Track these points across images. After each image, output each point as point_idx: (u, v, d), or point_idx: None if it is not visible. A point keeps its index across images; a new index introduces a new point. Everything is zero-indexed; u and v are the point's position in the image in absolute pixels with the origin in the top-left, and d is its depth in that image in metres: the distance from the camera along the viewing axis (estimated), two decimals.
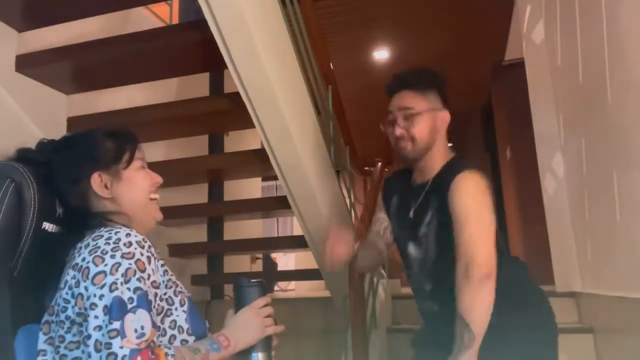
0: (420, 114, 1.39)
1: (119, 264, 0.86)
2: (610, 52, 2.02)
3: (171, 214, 2.83)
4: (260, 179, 5.39)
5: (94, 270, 0.85)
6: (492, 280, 1.21)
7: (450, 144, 1.49)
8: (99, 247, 0.88)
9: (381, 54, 5.38)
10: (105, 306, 0.82)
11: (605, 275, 2.29)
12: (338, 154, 2.85)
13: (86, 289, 0.85)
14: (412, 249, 1.42)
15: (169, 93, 3.29)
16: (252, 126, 2.12)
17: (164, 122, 2.53)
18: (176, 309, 0.97)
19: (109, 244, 0.88)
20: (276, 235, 7.77)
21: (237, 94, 2.00)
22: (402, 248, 1.49)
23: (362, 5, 4.43)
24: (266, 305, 1.02)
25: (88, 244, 0.90)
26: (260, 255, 5.51)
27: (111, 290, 0.83)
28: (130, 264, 0.87)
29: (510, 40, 4.76)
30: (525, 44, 3.26)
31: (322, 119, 2.59)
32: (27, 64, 2.25)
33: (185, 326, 0.97)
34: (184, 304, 0.99)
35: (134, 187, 1.03)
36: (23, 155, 1.01)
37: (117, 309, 0.82)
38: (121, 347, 0.80)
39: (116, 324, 0.81)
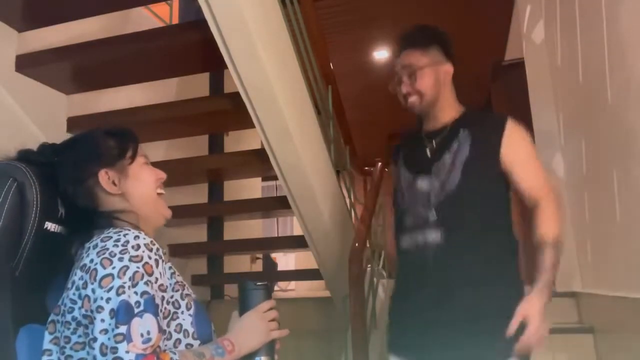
0: (422, 69, 1.45)
1: (127, 267, 0.85)
2: (610, 52, 2.02)
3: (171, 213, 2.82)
4: (260, 179, 5.39)
5: (101, 272, 0.85)
6: (561, 199, 1.38)
7: None
8: (107, 249, 0.87)
9: (381, 54, 5.38)
10: (112, 310, 0.82)
11: (605, 275, 2.29)
12: (338, 154, 2.86)
13: (93, 291, 0.84)
14: (422, 182, 1.44)
15: (169, 93, 3.29)
16: (252, 126, 2.12)
17: (164, 122, 2.53)
18: (182, 312, 0.97)
19: (117, 246, 0.88)
20: (276, 235, 7.77)
21: (237, 94, 2.00)
22: (405, 190, 1.50)
23: (362, 5, 4.44)
24: (271, 308, 1.02)
25: (96, 245, 0.89)
26: (260, 255, 5.51)
27: (118, 294, 0.83)
28: (138, 267, 0.86)
29: (510, 40, 4.77)
30: (525, 44, 3.27)
31: (322, 119, 2.60)
32: (27, 64, 2.25)
33: (191, 330, 0.96)
34: (190, 307, 0.98)
35: (141, 183, 1.03)
36: (25, 156, 1.01)
37: (123, 313, 0.82)
38: (127, 352, 0.79)
39: (122, 328, 0.81)
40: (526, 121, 3.06)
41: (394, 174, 1.62)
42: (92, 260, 0.87)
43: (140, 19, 3.29)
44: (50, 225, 0.97)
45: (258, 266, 5.47)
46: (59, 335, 0.91)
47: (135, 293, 0.84)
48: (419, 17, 4.61)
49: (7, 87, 2.20)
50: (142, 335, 0.82)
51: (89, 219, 0.98)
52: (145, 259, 0.88)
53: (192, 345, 0.95)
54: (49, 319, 0.93)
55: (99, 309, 0.83)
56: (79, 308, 0.86)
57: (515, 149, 1.38)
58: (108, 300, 0.83)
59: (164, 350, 0.86)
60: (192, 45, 2.14)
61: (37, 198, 0.95)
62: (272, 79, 1.89)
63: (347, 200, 2.95)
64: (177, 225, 3.39)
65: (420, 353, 1.37)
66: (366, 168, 4.02)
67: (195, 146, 3.62)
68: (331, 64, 2.82)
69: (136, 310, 0.83)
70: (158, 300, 0.88)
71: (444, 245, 1.35)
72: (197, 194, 3.66)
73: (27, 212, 0.95)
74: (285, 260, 7.45)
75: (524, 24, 3.28)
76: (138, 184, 1.02)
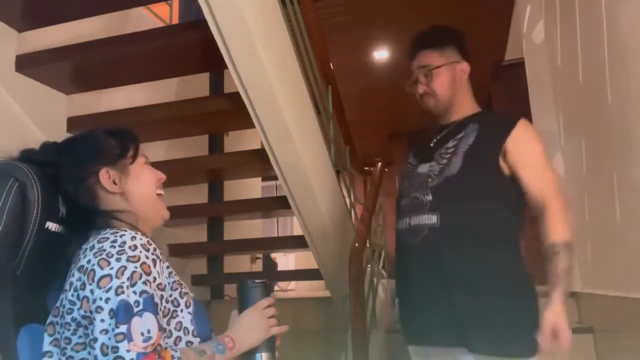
0: (438, 68, 1.47)
1: (125, 267, 0.86)
2: (610, 52, 2.02)
3: (171, 214, 2.82)
4: (260, 179, 5.39)
5: (99, 273, 0.85)
6: (567, 205, 1.37)
7: None
8: (105, 250, 0.88)
9: (381, 54, 5.38)
10: (112, 310, 0.82)
11: (605, 275, 2.29)
12: (338, 154, 2.85)
13: (92, 292, 0.85)
14: (422, 167, 1.46)
15: (169, 93, 3.28)
16: (252, 126, 2.12)
17: (164, 122, 2.53)
18: (182, 310, 0.97)
19: (114, 246, 0.88)
20: (276, 235, 7.77)
21: (237, 94, 2.00)
22: (406, 176, 1.53)
23: (362, 5, 4.44)
24: (270, 305, 1.03)
25: (93, 246, 0.90)
26: (260, 255, 5.51)
27: (117, 294, 0.83)
28: (136, 267, 0.87)
29: (510, 40, 4.77)
30: (525, 44, 3.27)
31: (322, 119, 2.60)
32: (27, 64, 2.25)
33: (191, 328, 0.97)
34: (190, 305, 0.99)
35: (141, 182, 1.03)
36: (26, 156, 1.01)
37: (123, 313, 0.82)
38: (128, 351, 0.80)
39: (123, 328, 0.81)
40: None
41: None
42: (89, 262, 0.87)
43: (140, 19, 3.29)
44: (51, 225, 0.97)
45: (258, 266, 5.47)
46: (58, 337, 0.91)
47: (134, 292, 0.84)
48: (419, 17, 4.62)
49: (7, 87, 2.20)
50: (142, 334, 0.82)
51: (89, 218, 0.98)
52: (143, 259, 0.88)
53: (192, 343, 0.95)
54: (48, 321, 0.93)
55: (99, 309, 0.83)
56: (78, 309, 0.86)
57: (523, 148, 1.38)
58: (107, 300, 0.83)
59: (165, 348, 0.86)
60: (192, 45, 2.14)
61: (38, 198, 0.95)
62: (272, 79, 1.89)
63: (347, 200, 2.95)
64: (177, 225, 3.39)
65: (428, 338, 1.40)
66: (366, 168, 4.01)
67: (195, 146, 3.62)
68: (331, 64, 2.82)
69: (135, 310, 0.83)
70: (157, 299, 0.89)
71: (438, 227, 1.36)
72: (197, 194, 3.66)
73: (29, 212, 0.95)
74: (285, 260, 7.45)
75: (524, 24, 3.28)
76: (138, 183, 1.03)
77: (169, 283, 0.97)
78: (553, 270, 1.30)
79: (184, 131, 2.92)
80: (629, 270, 1.96)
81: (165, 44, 2.19)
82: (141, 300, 0.85)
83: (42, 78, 2.35)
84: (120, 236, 0.90)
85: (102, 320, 0.82)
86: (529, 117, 3.05)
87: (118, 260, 0.86)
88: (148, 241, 0.92)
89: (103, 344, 0.81)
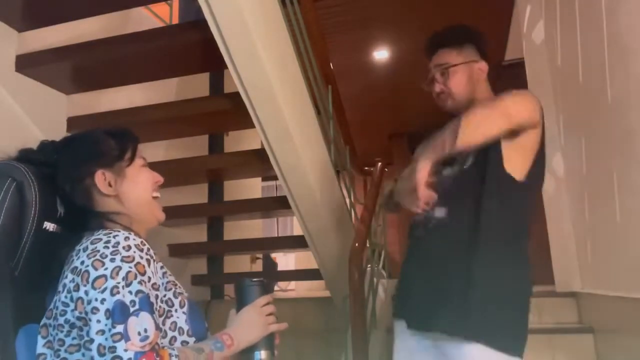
0: (454, 67, 1.44)
1: (120, 268, 0.85)
2: (610, 52, 2.02)
3: (171, 214, 2.82)
4: (260, 179, 5.39)
5: (94, 274, 0.85)
6: (506, 117, 1.25)
7: None
8: (98, 251, 0.87)
9: (381, 54, 5.38)
10: (108, 310, 0.82)
11: (605, 275, 2.29)
12: (338, 154, 2.85)
13: (86, 293, 0.84)
14: (446, 171, 1.43)
15: (169, 93, 3.28)
16: (252, 126, 2.12)
17: (164, 122, 2.53)
18: (176, 310, 0.97)
19: (107, 247, 0.88)
20: (276, 235, 7.77)
21: (237, 94, 2.00)
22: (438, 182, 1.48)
23: (362, 5, 4.43)
24: (268, 303, 1.03)
25: (86, 248, 0.89)
26: (260, 255, 5.51)
27: (112, 294, 0.83)
28: (130, 267, 0.86)
29: (510, 40, 4.77)
30: (525, 44, 3.26)
31: (322, 119, 2.59)
32: (27, 64, 2.25)
33: (186, 327, 0.97)
34: (184, 305, 0.99)
35: (137, 185, 1.03)
36: (24, 155, 1.01)
37: (119, 313, 0.82)
38: (125, 350, 0.80)
39: (119, 328, 0.81)
40: None
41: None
42: (82, 263, 0.87)
43: (140, 19, 3.29)
44: (49, 225, 0.97)
45: (258, 266, 5.47)
46: (51, 339, 0.91)
47: (130, 292, 0.84)
48: (419, 17, 4.62)
49: (7, 87, 2.20)
50: (139, 333, 0.82)
51: (85, 218, 0.98)
52: (137, 259, 0.88)
53: (187, 343, 0.96)
54: (41, 323, 0.93)
55: (94, 310, 0.83)
56: (72, 310, 0.86)
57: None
58: (103, 301, 0.83)
59: (163, 347, 0.86)
60: (192, 45, 2.14)
61: (36, 198, 0.95)
62: (272, 79, 1.89)
63: (347, 200, 2.95)
64: (177, 225, 3.39)
65: (414, 316, 1.39)
66: (366, 168, 4.02)
67: (195, 146, 3.62)
68: (331, 64, 2.81)
69: (132, 309, 0.83)
70: (152, 299, 0.89)
71: (446, 220, 1.36)
72: (197, 194, 3.66)
73: (26, 212, 0.95)
74: (285, 260, 7.45)
75: (524, 24, 3.28)
76: (134, 186, 1.02)
77: (162, 283, 0.97)
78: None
79: (184, 131, 2.92)
80: (629, 270, 1.96)
81: (165, 44, 2.19)
82: (137, 299, 0.85)
83: (42, 78, 2.35)
84: (114, 237, 0.90)
85: (99, 321, 0.82)
86: None
87: (112, 260, 0.86)
88: (142, 241, 0.92)
89: (100, 344, 0.81)
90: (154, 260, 0.94)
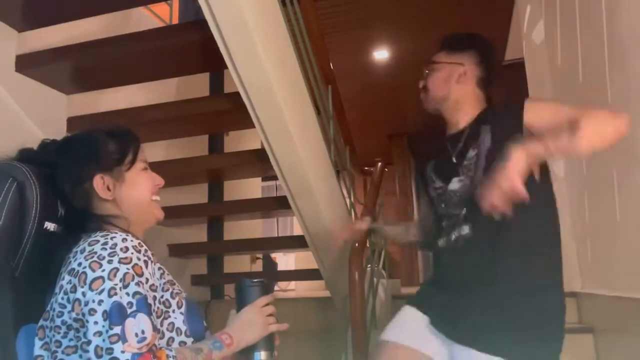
0: (435, 65, 1.50)
1: (117, 269, 0.85)
2: (610, 52, 2.02)
3: (171, 214, 2.83)
4: (260, 179, 5.39)
5: (91, 275, 0.85)
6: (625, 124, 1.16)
7: None
8: (96, 253, 0.87)
9: (381, 54, 5.38)
10: (105, 311, 0.82)
11: (605, 275, 2.29)
12: (338, 154, 2.85)
13: (84, 294, 0.84)
14: (454, 184, 1.43)
15: (169, 93, 3.29)
16: (252, 126, 2.12)
17: (164, 122, 2.53)
18: (173, 311, 0.97)
19: (105, 249, 0.88)
20: (276, 235, 7.77)
21: (237, 94, 1.99)
22: (438, 199, 1.49)
23: (362, 5, 4.43)
24: (268, 304, 1.03)
25: (84, 249, 0.89)
26: (260, 255, 5.51)
27: (110, 296, 0.83)
28: (128, 268, 0.86)
29: (510, 40, 4.76)
30: (525, 44, 3.26)
31: (322, 119, 2.59)
32: (27, 64, 2.25)
33: (183, 328, 0.97)
34: (181, 305, 0.99)
35: (136, 189, 1.03)
36: (25, 155, 1.01)
37: (117, 314, 0.82)
38: (123, 352, 0.80)
39: (117, 329, 0.81)
40: None
41: (419, 186, 1.67)
42: (80, 264, 0.87)
43: (140, 19, 3.29)
44: (50, 225, 0.97)
45: (258, 266, 5.47)
46: (49, 341, 0.91)
47: (127, 294, 0.84)
48: (419, 17, 4.62)
49: (7, 87, 2.20)
50: (136, 334, 0.82)
51: (83, 220, 0.98)
52: (135, 261, 0.88)
53: (185, 343, 0.95)
54: (38, 325, 0.93)
55: (92, 311, 0.83)
56: (69, 312, 0.86)
57: (538, 109, 1.31)
58: (100, 302, 0.83)
59: (160, 348, 0.86)
60: (192, 45, 2.14)
61: (37, 198, 0.95)
62: (272, 79, 1.89)
63: (347, 200, 2.94)
64: (177, 225, 3.39)
65: (436, 312, 1.40)
66: (366, 168, 4.02)
67: (195, 146, 3.62)
68: (331, 64, 2.81)
69: (129, 311, 0.83)
70: (150, 300, 0.89)
71: (472, 236, 1.35)
72: (197, 194, 3.66)
73: (27, 212, 0.95)
74: (285, 260, 7.45)
75: (524, 24, 3.28)
76: (133, 191, 1.02)
77: (160, 284, 0.97)
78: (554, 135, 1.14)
79: (184, 131, 2.92)
80: (629, 270, 1.96)
81: (165, 44, 2.19)
82: (134, 301, 0.85)
83: (42, 78, 2.35)
84: (111, 238, 0.90)
85: (96, 323, 0.82)
86: None
87: (110, 262, 0.86)
88: (139, 243, 0.92)
89: (97, 346, 0.81)
90: (151, 262, 0.94)
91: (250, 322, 0.99)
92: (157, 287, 0.94)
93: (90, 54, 2.25)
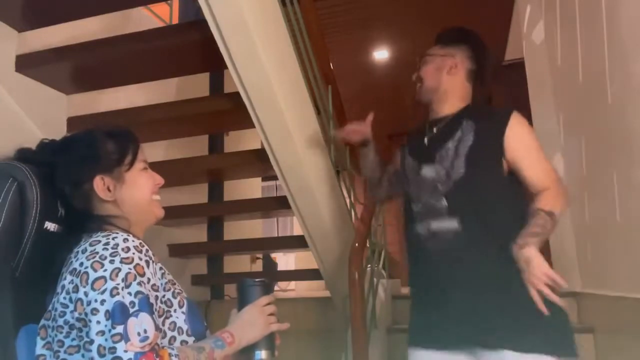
0: (428, 57, 1.58)
1: (119, 269, 0.86)
2: (610, 52, 2.02)
3: (171, 214, 2.82)
4: (260, 179, 5.39)
5: (93, 275, 0.85)
6: (567, 195, 1.38)
7: None
8: (97, 253, 0.88)
9: (381, 54, 5.38)
10: (107, 311, 0.82)
11: (605, 275, 2.29)
12: (338, 154, 2.85)
13: (86, 294, 0.85)
14: (427, 170, 1.48)
15: (169, 93, 3.29)
16: (252, 126, 2.12)
17: (164, 122, 2.53)
18: (175, 310, 0.97)
19: (107, 249, 0.88)
20: (276, 235, 7.77)
21: (237, 94, 1.99)
22: (411, 177, 1.54)
23: (362, 5, 4.44)
24: (269, 304, 1.03)
25: (85, 249, 0.90)
26: (260, 255, 5.51)
27: (112, 295, 0.83)
28: (129, 268, 0.87)
29: (510, 40, 4.77)
30: (525, 44, 3.27)
31: (322, 119, 2.59)
32: (27, 64, 2.25)
33: (185, 327, 0.97)
34: (183, 305, 0.99)
35: (136, 189, 1.03)
36: (24, 155, 1.01)
37: (119, 314, 0.82)
38: (126, 351, 0.80)
39: (119, 328, 0.81)
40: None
41: (397, 157, 1.68)
42: (81, 264, 0.87)
43: (140, 19, 3.29)
44: (50, 226, 0.97)
45: (258, 266, 5.47)
46: (51, 340, 0.91)
47: (129, 294, 0.85)
48: (419, 17, 4.63)
49: (7, 87, 2.20)
50: (139, 334, 0.82)
51: (84, 220, 0.98)
52: (136, 261, 0.88)
53: (186, 342, 0.96)
54: (40, 324, 0.93)
55: (94, 311, 0.83)
56: (72, 312, 0.86)
57: (520, 139, 1.41)
58: (103, 302, 0.83)
59: (163, 347, 0.86)
60: (192, 45, 2.14)
61: (37, 198, 0.95)
62: (272, 79, 1.89)
63: (347, 200, 2.94)
64: (177, 225, 3.39)
65: (444, 343, 1.39)
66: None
67: (195, 146, 3.62)
68: (331, 64, 2.81)
69: (131, 310, 0.84)
70: (152, 300, 0.89)
71: (461, 232, 1.37)
72: (197, 194, 3.66)
73: (27, 212, 0.95)
74: (285, 260, 7.45)
75: (524, 24, 3.28)
76: (134, 191, 1.02)
77: (161, 284, 0.97)
78: (532, 223, 1.30)
79: (184, 131, 2.92)
80: (629, 270, 1.96)
81: (165, 44, 2.19)
82: (136, 301, 0.85)
83: (42, 78, 2.35)
84: (113, 238, 0.90)
85: (98, 322, 0.82)
86: (529, 117, 3.06)
87: (112, 262, 0.86)
88: (140, 243, 0.93)
89: (100, 345, 0.81)
90: (152, 262, 0.94)
91: (251, 321, 1.00)
92: (158, 286, 0.94)
93: (90, 54, 2.25)
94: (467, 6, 4.37)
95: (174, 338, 0.95)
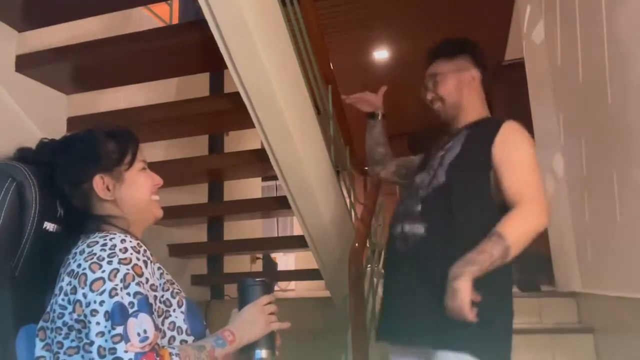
0: (444, 74, 1.54)
1: (117, 270, 0.86)
2: (610, 52, 2.02)
3: (171, 214, 2.83)
4: (260, 179, 5.39)
5: (91, 276, 0.85)
6: (542, 212, 1.31)
7: None
8: (95, 254, 0.88)
9: (381, 54, 5.39)
10: (107, 312, 0.83)
11: (605, 275, 2.29)
12: (338, 154, 2.85)
13: (85, 295, 0.85)
14: (418, 177, 1.51)
15: (169, 93, 3.29)
16: (252, 126, 2.12)
17: (164, 122, 2.53)
18: (174, 310, 0.98)
19: (104, 250, 0.88)
20: (276, 235, 7.77)
21: (237, 94, 2.00)
22: (408, 184, 1.58)
23: (362, 5, 4.44)
24: (270, 303, 1.03)
25: (83, 251, 0.90)
26: (260, 255, 5.51)
27: (111, 296, 0.83)
28: (128, 269, 0.87)
29: (510, 40, 4.77)
30: (525, 44, 3.27)
31: (322, 119, 2.59)
32: (27, 64, 2.25)
33: (184, 327, 0.97)
34: (182, 304, 0.99)
35: (136, 189, 1.03)
36: (23, 155, 1.01)
37: (118, 315, 0.82)
38: (126, 352, 0.80)
39: (119, 329, 0.82)
40: (526, 121, 3.07)
41: (416, 161, 1.70)
42: (79, 265, 0.87)
43: (140, 19, 3.29)
44: (49, 226, 0.97)
45: (258, 266, 5.47)
46: (50, 342, 0.91)
47: (128, 294, 0.85)
48: (419, 17, 4.63)
49: (7, 87, 2.20)
50: (139, 334, 0.82)
51: (83, 220, 0.98)
52: (134, 261, 0.88)
53: (186, 342, 0.96)
54: (39, 326, 0.93)
55: (93, 312, 0.83)
56: (70, 313, 0.86)
57: (507, 149, 1.37)
58: (102, 303, 0.83)
59: (163, 347, 0.86)
60: (192, 45, 2.14)
61: (36, 198, 0.95)
62: (272, 79, 1.89)
63: (347, 200, 2.95)
64: (177, 225, 3.39)
65: (401, 337, 1.42)
66: (366, 168, 4.01)
67: (195, 146, 3.62)
68: (331, 64, 2.81)
69: (131, 311, 0.84)
70: (151, 300, 0.89)
71: (425, 236, 1.38)
72: (197, 194, 3.66)
73: (26, 212, 0.95)
74: (285, 260, 7.45)
75: (524, 24, 3.28)
76: (133, 190, 1.02)
77: (160, 284, 0.97)
78: (479, 246, 1.26)
79: (184, 131, 2.92)
80: (629, 270, 1.96)
81: (165, 44, 2.18)
82: (135, 301, 0.85)
83: (42, 78, 2.35)
84: (110, 239, 0.90)
85: (98, 323, 0.82)
86: (529, 117, 3.06)
87: (110, 263, 0.86)
88: (138, 243, 0.93)
89: (100, 346, 0.81)
90: (150, 262, 0.94)
91: (252, 320, 1.00)
92: (157, 286, 0.94)
93: (90, 54, 2.25)
94: (467, 6, 4.37)
95: (173, 338, 0.95)
